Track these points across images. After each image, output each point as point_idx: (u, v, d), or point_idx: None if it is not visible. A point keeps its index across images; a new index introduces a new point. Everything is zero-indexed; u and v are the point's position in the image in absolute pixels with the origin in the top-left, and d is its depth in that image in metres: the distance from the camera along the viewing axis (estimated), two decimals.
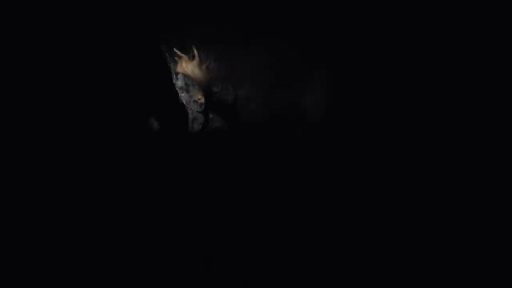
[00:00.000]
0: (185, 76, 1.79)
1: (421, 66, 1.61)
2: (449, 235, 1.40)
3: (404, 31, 1.65)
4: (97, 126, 1.63)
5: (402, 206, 1.48)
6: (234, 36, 1.77)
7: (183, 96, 1.83)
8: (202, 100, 1.78)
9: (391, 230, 1.45)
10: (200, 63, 1.73)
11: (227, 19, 1.75)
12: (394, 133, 1.58)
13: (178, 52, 1.72)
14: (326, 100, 1.68)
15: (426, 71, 1.61)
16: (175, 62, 1.75)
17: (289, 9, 1.74)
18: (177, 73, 1.81)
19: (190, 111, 1.81)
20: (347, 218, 1.52)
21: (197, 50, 1.73)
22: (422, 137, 1.55)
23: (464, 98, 1.55)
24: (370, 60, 1.67)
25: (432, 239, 1.40)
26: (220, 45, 1.78)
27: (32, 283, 1.41)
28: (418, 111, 1.58)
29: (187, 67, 1.73)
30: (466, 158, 1.49)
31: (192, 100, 1.82)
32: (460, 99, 1.55)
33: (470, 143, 1.50)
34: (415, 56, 1.63)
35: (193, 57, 1.73)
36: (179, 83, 1.84)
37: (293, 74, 1.75)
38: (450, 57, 1.62)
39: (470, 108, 1.53)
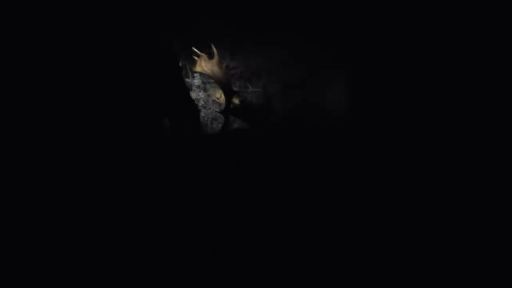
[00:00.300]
0: (202, 74, 1.75)
1: (443, 65, 1.69)
2: (453, 236, 1.46)
3: (416, 29, 1.74)
4: (109, 127, 1.58)
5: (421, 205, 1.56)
6: (252, 34, 1.74)
7: (200, 95, 1.79)
8: (222, 99, 1.76)
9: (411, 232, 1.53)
10: (220, 61, 1.68)
11: (245, 16, 1.71)
12: (415, 133, 1.68)
13: (197, 51, 1.66)
14: (348, 100, 1.73)
15: (445, 70, 1.70)
16: (193, 61, 1.69)
17: (308, 5, 1.73)
18: (194, 72, 1.75)
19: (209, 111, 1.79)
20: (362, 217, 1.52)
21: (216, 48, 1.67)
22: (442, 136, 1.66)
23: (471, 98, 1.68)
24: (393, 59, 1.72)
25: (440, 240, 1.45)
26: (238, 44, 1.74)
27: (32, 283, 1.40)
28: (437, 110, 1.69)
29: (206, 66, 1.68)
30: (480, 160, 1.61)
31: (211, 99, 1.79)
32: (469, 99, 1.68)
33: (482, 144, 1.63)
34: (435, 55, 1.71)
35: (212, 55, 1.68)
36: (196, 81, 1.79)
37: (313, 73, 1.78)
38: (453, 56, 1.73)
39: (478, 109, 1.66)
